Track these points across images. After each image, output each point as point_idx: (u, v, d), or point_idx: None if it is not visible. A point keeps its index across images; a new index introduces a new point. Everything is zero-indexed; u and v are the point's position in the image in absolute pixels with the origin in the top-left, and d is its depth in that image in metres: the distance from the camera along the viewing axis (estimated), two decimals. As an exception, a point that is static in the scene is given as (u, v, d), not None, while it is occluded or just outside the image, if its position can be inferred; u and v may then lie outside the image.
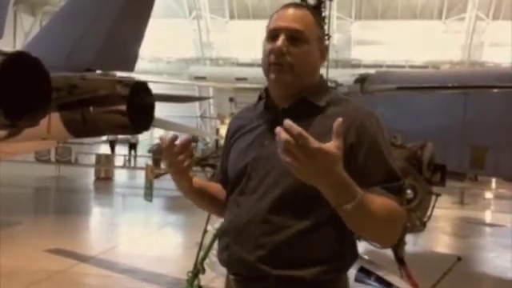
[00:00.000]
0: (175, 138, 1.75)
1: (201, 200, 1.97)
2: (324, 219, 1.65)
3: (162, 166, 17.58)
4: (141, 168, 13.13)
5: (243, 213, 1.75)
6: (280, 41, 1.73)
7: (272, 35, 1.77)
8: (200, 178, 1.96)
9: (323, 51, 1.85)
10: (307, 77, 1.79)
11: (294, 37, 1.73)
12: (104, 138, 22.77)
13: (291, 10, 1.77)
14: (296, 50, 1.73)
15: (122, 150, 23.47)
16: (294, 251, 1.67)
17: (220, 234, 1.87)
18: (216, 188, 1.98)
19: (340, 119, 1.42)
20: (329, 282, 1.71)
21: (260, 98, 1.90)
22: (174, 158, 1.76)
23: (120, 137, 21.69)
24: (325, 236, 1.68)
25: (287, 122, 1.36)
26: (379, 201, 1.56)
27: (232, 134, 1.95)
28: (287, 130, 1.35)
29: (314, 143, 1.37)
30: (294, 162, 1.37)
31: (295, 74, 1.74)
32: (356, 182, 1.50)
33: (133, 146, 23.25)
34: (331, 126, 1.62)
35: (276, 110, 1.81)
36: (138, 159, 22.51)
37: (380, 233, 1.65)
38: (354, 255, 1.80)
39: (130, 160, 22.40)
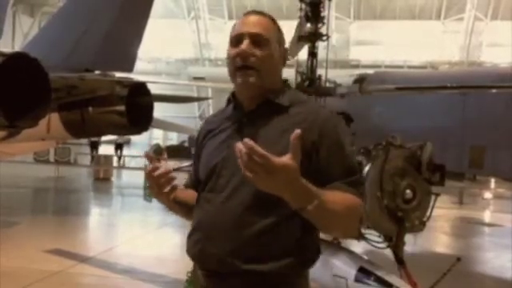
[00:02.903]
0: (156, 167, 1.86)
1: (182, 212, 2.08)
2: (288, 215, 1.70)
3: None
4: (140, 168, 13.13)
5: (213, 210, 1.83)
6: (244, 44, 1.83)
7: (236, 40, 1.87)
8: (181, 190, 2.04)
9: (284, 55, 1.97)
10: (271, 79, 1.89)
11: (257, 40, 1.85)
12: (103, 138, 22.62)
13: (252, 17, 1.91)
14: (259, 52, 1.84)
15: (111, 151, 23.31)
16: (261, 245, 1.75)
17: (191, 230, 1.94)
18: (193, 196, 2.03)
19: (298, 131, 1.50)
20: (292, 276, 1.80)
21: (229, 102, 2.00)
22: (156, 183, 1.86)
23: (107, 138, 21.54)
24: (289, 231, 1.76)
25: (247, 141, 1.44)
26: (338, 197, 1.67)
27: (202, 138, 2.05)
28: (248, 149, 1.44)
29: (274, 161, 1.46)
30: (255, 177, 1.47)
31: (260, 75, 1.84)
32: (318, 178, 1.65)
33: (120, 147, 23.03)
34: (294, 123, 1.75)
35: (243, 111, 1.92)
36: (137, 159, 22.47)
37: (341, 227, 1.78)
38: (317, 250, 1.88)
39: (119, 161, 22.22)
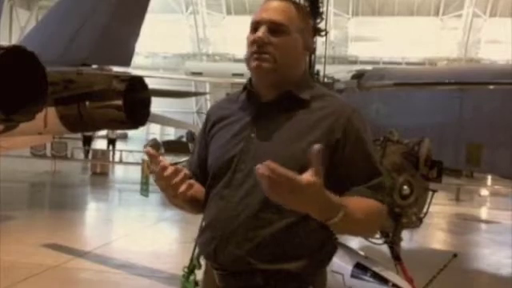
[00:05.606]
0: (163, 166, 1.67)
1: (189, 207, 1.89)
2: (307, 214, 1.62)
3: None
4: (136, 163, 13.09)
5: (230, 206, 1.75)
6: (260, 32, 1.76)
7: (254, 27, 1.79)
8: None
9: (308, 43, 1.87)
10: (289, 68, 1.80)
11: (274, 28, 1.76)
12: (100, 133, 22.52)
13: (274, 3, 1.80)
14: (276, 40, 1.76)
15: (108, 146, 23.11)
16: (282, 245, 1.70)
17: (203, 228, 1.85)
18: (199, 189, 1.89)
19: (318, 146, 1.43)
20: (312, 275, 1.77)
21: (245, 89, 1.89)
22: (169, 184, 1.69)
23: (102, 133, 21.32)
24: (308, 229, 1.71)
25: (269, 163, 1.38)
26: (362, 206, 1.65)
27: (212, 124, 1.92)
28: (271, 171, 1.38)
29: (298, 180, 1.41)
30: (279, 197, 1.43)
31: (276, 63, 1.76)
32: (341, 178, 1.63)
33: (112, 142, 22.91)
34: (317, 119, 1.75)
35: (259, 102, 1.83)
36: (135, 154, 22.37)
37: (363, 231, 1.92)
38: (334, 246, 1.85)
39: (113, 155, 22.05)
